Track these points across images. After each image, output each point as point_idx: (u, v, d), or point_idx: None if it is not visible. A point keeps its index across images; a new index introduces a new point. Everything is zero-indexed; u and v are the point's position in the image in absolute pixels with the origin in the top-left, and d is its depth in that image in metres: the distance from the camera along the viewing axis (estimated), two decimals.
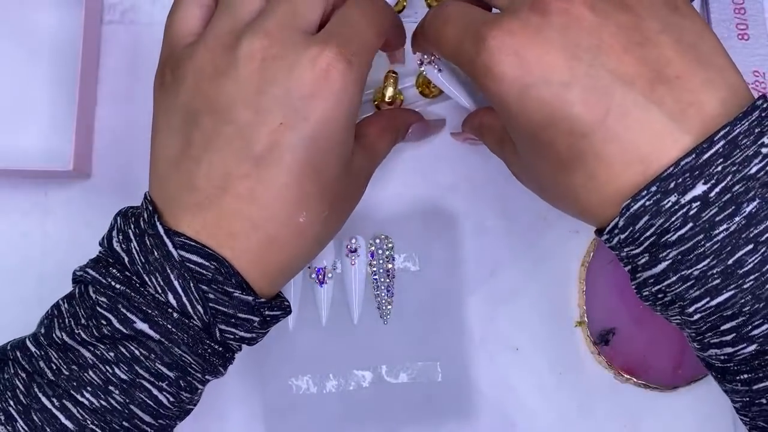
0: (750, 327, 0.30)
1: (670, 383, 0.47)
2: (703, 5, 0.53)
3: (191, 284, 0.33)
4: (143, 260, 0.34)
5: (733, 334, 0.31)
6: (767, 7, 0.53)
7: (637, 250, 0.32)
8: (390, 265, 0.47)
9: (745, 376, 0.32)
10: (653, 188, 0.31)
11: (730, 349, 0.32)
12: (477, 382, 0.47)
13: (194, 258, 0.34)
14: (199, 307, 0.34)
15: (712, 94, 0.31)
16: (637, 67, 0.31)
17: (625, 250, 0.33)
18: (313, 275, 0.46)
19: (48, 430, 0.33)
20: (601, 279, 0.47)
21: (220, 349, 0.35)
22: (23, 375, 0.34)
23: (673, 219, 0.30)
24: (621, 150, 0.31)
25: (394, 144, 0.44)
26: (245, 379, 0.46)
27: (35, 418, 0.33)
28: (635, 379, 0.46)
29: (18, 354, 0.34)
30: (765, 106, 0.31)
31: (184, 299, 0.33)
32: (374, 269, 0.47)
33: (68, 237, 0.48)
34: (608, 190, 0.32)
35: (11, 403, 0.33)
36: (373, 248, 0.47)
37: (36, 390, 0.33)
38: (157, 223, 0.34)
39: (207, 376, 0.36)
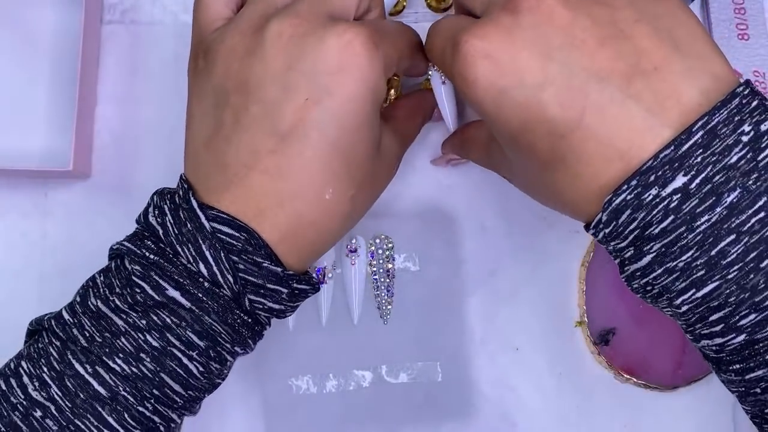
0: (737, 317, 0.30)
1: (670, 383, 0.47)
2: (703, 5, 0.53)
3: (222, 254, 0.34)
4: (177, 232, 0.35)
5: (722, 325, 0.31)
6: (767, 7, 0.53)
7: (623, 244, 0.32)
8: (390, 265, 0.47)
9: (737, 366, 0.32)
10: (633, 182, 0.30)
11: (720, 340, 0.31)
12: (477, 382, 0.47)
13: (225, 229, 0.34)
14: (229, 277, 0.34)
15: (691, 83, 0.31)
16: (612, 62, 0.31)
17: (612, 243, 0.33)
18: (313, 275, 0.46)
19: (81, 395, 0.33)
20: (601, 279, 0.47)
21: (249, 320, 0.36)
22: (57, 343, 0.34)
23: (654, 212, 0.30)
24: (600, 147, 0.31)
25: (422, 125, 0.45)
26: (245, 379, 0.46)
27: (69, 384, 0.34)
28: (635, 379, 0.46)
29: (53, 323, 0.35)
30: (746, 92, 0.30)
31: (215, 269, 0.34)
32: (374, 269, 0.47)
33: (68, 237, 0.48)
34: (592, 187, 0.32)
35: (45, 369, 0.34)
36: (373, 248, 0.47)
37: (69, 357, 0.34)
38: (192, 198, 0.35)
39: (236, 347, 0.36)
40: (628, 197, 0.31)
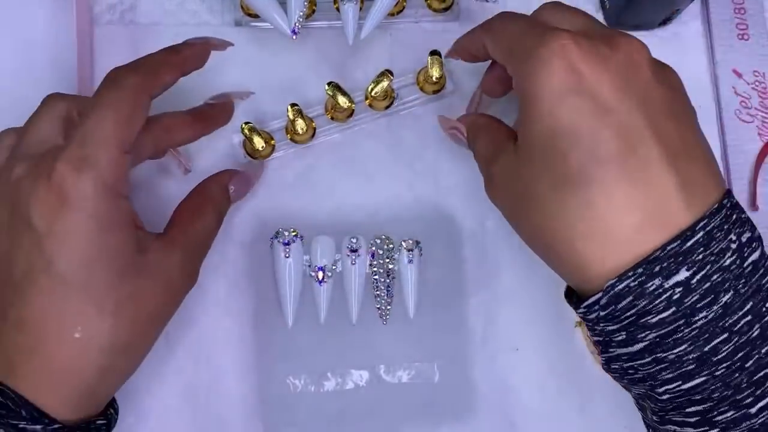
0: (716, 412, 0.32)
1: None
2: (703, 5, 0.53)
3: None
4: None
5: (698, 417, 0.32)
6: (767, 7, 0.53)
7: (614, 327, 0.33)
8: (390, 265, 0.47)
9: None
10: (639, 270, 0.31)
11: (691, 430, 0.32)
12: (477, 382, 0.47)
13: None
14: None
15: (713, 180, 0.33)
16: (669, 133, 0.33)
17: (602, 324, 0.33)
18: (313, 273, 0.46)
19: None
20: None
21: None
22: None
23: (656, 302, 0.31)
24: (629, 195, 0.32)
25: (218, 215, 0.43)
26: (243, 377, 0.46)
27: None
28: None
29: None
30: (729, 205, 0.33)
31: None
32: (374, 269, 0.47)
33: None
34: (600, 226, 0.32)
35: None
36: (373, 248, 0.47)
37: None
38: None
39: None
40: (632, 284, 0.31)
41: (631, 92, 0.33)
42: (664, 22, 0.52)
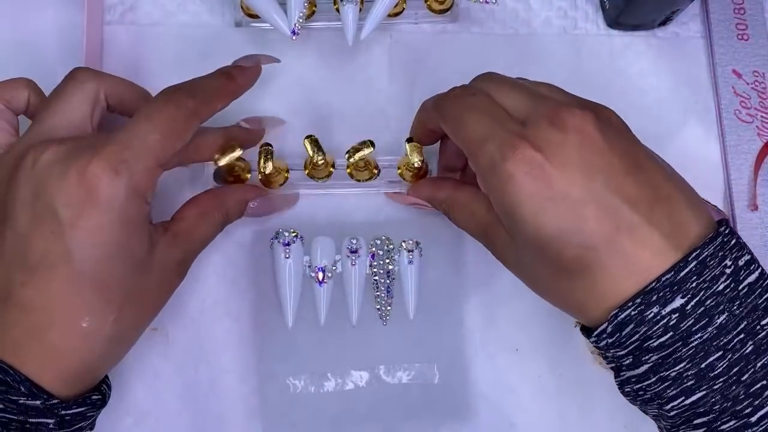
0: (719, 423, 0.34)
1: None
2: (702, 5, 0.53)
3: None
4: None
5: (705, 428, 0.35)
6: (767, 7, 0.53)
7: (622, 352, 0.36)
8: (390, 266, 0.47)
9: None
10: (638, 300, 0.34)
11: None
12: (477, 382, 0.47)
13: None
14: None
15: (691, 213, 0.35)
16: (638, 190, 0.35)
17: (612, 351, 0.36)
18: (313, 274, 0.46)
19: None
20: None
21: None
22: None
23: (655, 328, 0.34)
24: (625, 264, 0.34)
25: (221, 224, 0.44)
26: (243, 378, 0.46)
27: None
28: None
29: None
30: (726, 232, 0.35)
31: None
32: (374, 270, 0.47)
33: None
34: (607, 296, 0.35)
35: None
36: (373, 249, 0.47)
37: None
38: None
39: None
40: (633, 313, 0.34)
41: (595, 172, 0.35)
42: (664, 22, 0.52)
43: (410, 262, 0.46)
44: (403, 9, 0.51)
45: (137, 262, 0.37)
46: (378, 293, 0.47)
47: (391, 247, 0.47)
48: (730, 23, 0.52)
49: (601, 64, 0.52)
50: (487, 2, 0.48)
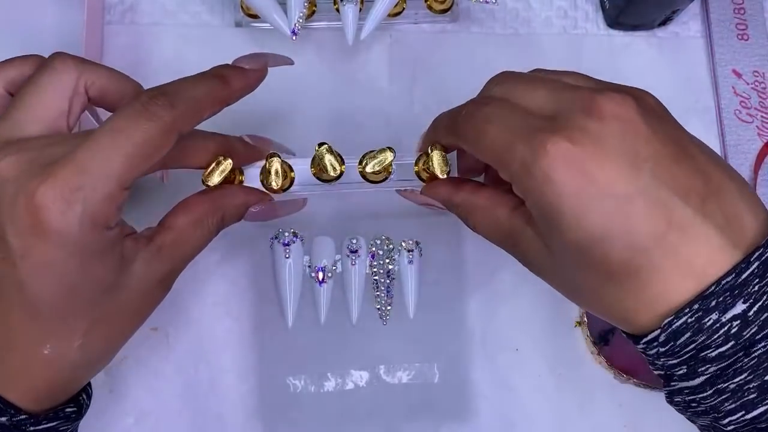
0: None
1: None
2: (702, 5, 0.53)
3: None
4: None
5: None
6: (767, 7, 0.53)
7: (675, 362, 0.32)
8: (390, 266, 0.47)
9: None
10: (695, 306, 0.30)
11: None
12: (477, 382, 0.47)
13: None
14: None
15: (745, 205, 0.32)
16: (688, 180, 0.31)
17: (663, 359, 0.32)
18: (313, 274, 0.46)
19: None
20: None
21: None
22: None
23: (715, 336, 0.30)
24: (679, 265, 0.31)
25: (216, 231, 0.38)
26: (243, 377, 0.46)
27: None
28: (635, 379, 0.46)
29: None
30: None
31: None
32: (375, 270, 0.47)
33: None
34: (659, 301, 0.31)
35: None
36: (373, 249, 0.47)
37: None
38: None
39: None
40: (689, 320, 0.30)
41: (640, 163, 0.31)
42: (664, 22, 0.52)
43: (410, 261, 0.46)
44: (403, 9, 0.51)
45: (104, 287, 0.33)
46: (378, 293, 0.47)
47: (391, 247, 0.47)
48: (730, 23, 0.52)
49: (601, 63, 0.52)
50: (487, 2, 0.48)
